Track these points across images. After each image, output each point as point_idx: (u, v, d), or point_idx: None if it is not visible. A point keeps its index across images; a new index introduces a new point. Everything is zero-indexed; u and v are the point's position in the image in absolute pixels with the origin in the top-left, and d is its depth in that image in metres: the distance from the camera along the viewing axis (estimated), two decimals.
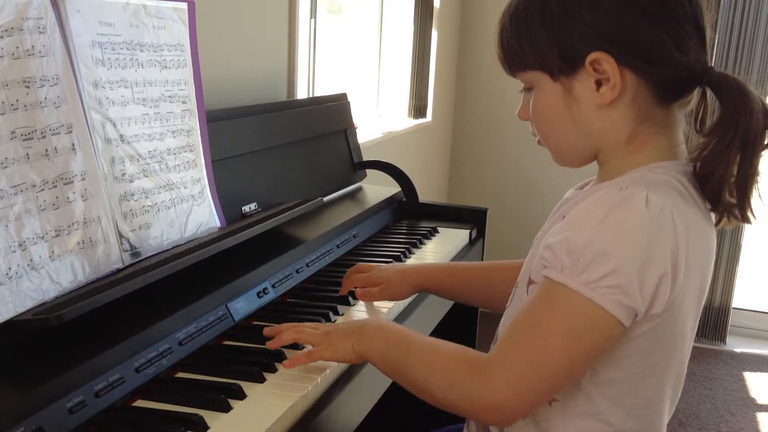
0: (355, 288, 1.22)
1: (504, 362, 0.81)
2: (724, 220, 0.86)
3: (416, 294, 1.25)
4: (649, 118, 0.85)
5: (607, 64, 0.82)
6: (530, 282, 0.88)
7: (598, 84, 0.83)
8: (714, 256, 0.88)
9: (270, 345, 0.97)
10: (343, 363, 0.99)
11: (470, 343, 1.75)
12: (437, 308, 1.44)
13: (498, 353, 0.82)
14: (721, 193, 0.82)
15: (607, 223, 0.77)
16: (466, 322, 1.76)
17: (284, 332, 0.98)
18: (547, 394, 0.84)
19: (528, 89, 0.91)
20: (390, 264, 1.29)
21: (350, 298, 1.22)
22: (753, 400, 2.76)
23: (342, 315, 1.17)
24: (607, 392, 0.84)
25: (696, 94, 0.86)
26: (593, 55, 0.82)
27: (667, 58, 0.82)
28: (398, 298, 1.22)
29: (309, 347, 0.97)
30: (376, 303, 1.22)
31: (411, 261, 1.49)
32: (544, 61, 0.85)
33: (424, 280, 1.20)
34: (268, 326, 1.10)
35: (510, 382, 0.80)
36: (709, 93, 0.85)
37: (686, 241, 0.78)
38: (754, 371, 3.01)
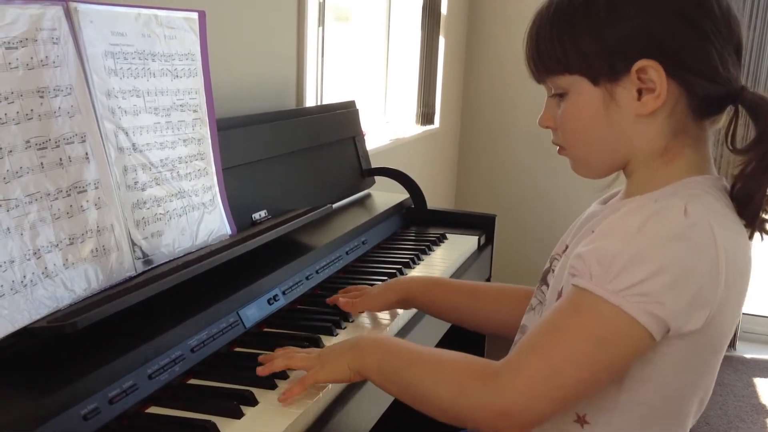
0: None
1: (520, 367, 0.78)
2: (756, 234, 0.84)
3: (401, 306, 1.20)
4: (683, 132, 0.83)
5: (655, 72, 0.79)
6: (559, 298, 0.85)
7: (639, 93, 0.81)
8: (751, 269, 0.84)
9: (260, 371, 0.94)
10: (340, 383, 0.95)
11: (479, 354, 1.73)
12: (439, 324, 1.41)
13: (514, 358, 0.80)
14: (759, 212, 0.81)
15: (643, 232, 0.75)
16: (474, 337, 1.74)
17: (276, 359, 0.95)
18: (564, 404, 0.79)
19: (558, 95, 0.87)
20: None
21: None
22: (763, 407, 2.75)
23: (352, 321, 1.18)
24: (644, 413, 0.81)
25: (727, 113, 0.84)
26: (641, 63, 0.79)
27: (712, 73, 0.80)
28: (382, 308, 1.18)
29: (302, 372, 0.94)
30: (378, 315, 1.21)
31: (420, 267, 1.50)
32: (587, 66, 0.82)
33: (408, 290, 1.16)
34: (278, 332, 1.11)
35: (525, 387, 0.77)
36: (741, 112, 0.82)
37: (726, 254, 0.75)
38: (765, 377, 3.00)
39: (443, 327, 1.45)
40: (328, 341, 1.09)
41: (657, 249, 0.74)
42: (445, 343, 1.43)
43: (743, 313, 3.22)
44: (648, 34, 0.79)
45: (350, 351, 0.91)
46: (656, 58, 0.79)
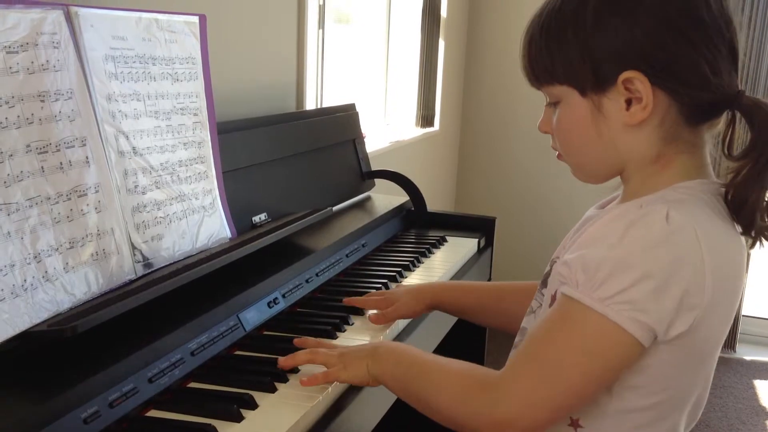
0: (366, 311, 1.21)
1: (515, 378, 0.80)
2: (756, 241, 0.83)
3: (428, 312, 1.24)
4: (675, 139, 0.82)
5: (641, 83, 0.79)
6: (553, 302, 0.86)
7: (628, 102, 0.81)
8: (745, 273, 0.85)
9: (283, 363, 0.97)
10: (359, 385, 0.98)
11: (479, 361, 1.74)
12: (440, 324, 1.43)
13: (510, 369, 0.81)
14: (755, 218, 0.81)
15: (626, 239, 0.76)
16: (475, 340, 1.75)
17: (299, 353, 0.98)
18: (560, 413, 0.81)
19: (553, 103, 0.88)
20: (401, 285, 1.27)
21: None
22: (763, 408, 2.75)
23: (352, 324, 1.18)
24: (637, 419, 0.82)
25: (724, 117, 0.84)
26: (626, 74, 0.79)
27: (702, 81, 0.79)
28: (411, 316, 1.21)
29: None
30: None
31: (420, 270, 1.50)
32: (574, 77, 0.83)
33: (437, 298, 1.19)
34: (278, 335, 1.11)
35: (521, 398, 0.78)
36: (738, 117, 0.82)
37: (712, 258, 0.76)
38: (765, 379, 3.00)
39: (443, 329, 1.46)
40: None
41: (640, 256, 0.75)
42: (448, 346, 1.43)
43: (743, 315, 3.23)
44: (634, 46, 0.79)
45: (370, 356, 0.94)
46: (642, 70, 0.79)
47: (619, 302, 0.75)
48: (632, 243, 0.75)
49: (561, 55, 0.83)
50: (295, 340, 1.04)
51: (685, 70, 0.79)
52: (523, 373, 0.80)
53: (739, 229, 0.83)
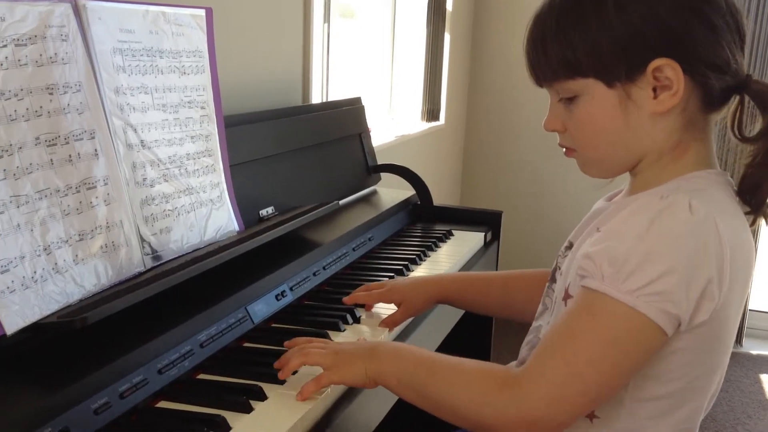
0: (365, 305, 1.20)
1: (542, 375, 0.78)
2: (759, 219, 0.85)
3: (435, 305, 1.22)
4: (692, 125, 0.83)
5: (672, 70, 0.79)
6: (567, 296, 0.85)
7: (653, 90, 0.80)
8: (754, 261, 0.85)
9: (281, 376, 0.93)
10: (354, 387, 0.95)
11: (484, 357, 1.74)
12: (445, 320, 1.42)
13: (534, 366, 0.79)
14: (766, 200, 0.82)
15: (652, 231, 0.75)
16: (480, 335, 1.75)
17: (291, 358, 0.93)
18: (588, 407, 0.81)
19: (567, 99, 0.85)
20: (402, 278, 1.24)
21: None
22: None
23: (360, 317, 1.18)
24: (652, 408, 0.82)
25: (732, 102, 0.84)
26: (657, 62, 0.79)
27: (725, 66, 0.80)
28: (420, 313, 1.19)
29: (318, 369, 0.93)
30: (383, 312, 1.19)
31: (426, 263, 1.50)
32: (601, 68, 0.81)
33: (444, 291, 1.17)
34: (286, 328, 1.11)
35: (549, 395, 0.77)
36: (747, 101, 0.83)
37: (730, 247, 0.76)
38: None
39: (447, 326, 1.46)
40: (335, 337, 1.10)
41: (666, 247, 0.75)
42: (452, 343, 1.44)
43: (750, 310, 3.22)
44: (662, 32, 0.79)
45: (368, 357, 0.89)
46: (672, 56, 0.79)
47: (648, 293, 0.74)
48: (659, 234, 0.75)
49: (585, 46, 0.81)
50: (285, 343, 0.99)
51: (710, 54, 0.80)
52: (549, 369, 0.78)
53: (746, 209, 0.84)
